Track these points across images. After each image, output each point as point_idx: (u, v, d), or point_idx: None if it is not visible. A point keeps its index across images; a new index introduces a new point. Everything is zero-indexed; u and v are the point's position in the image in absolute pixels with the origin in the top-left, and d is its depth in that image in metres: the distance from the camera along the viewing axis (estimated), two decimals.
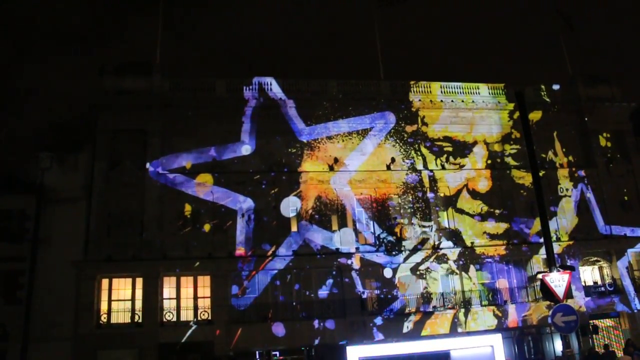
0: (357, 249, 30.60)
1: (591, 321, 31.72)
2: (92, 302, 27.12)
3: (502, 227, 33.04)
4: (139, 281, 28.00)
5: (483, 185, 33.57)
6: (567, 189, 34.79)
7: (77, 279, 27.31)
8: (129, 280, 28.18)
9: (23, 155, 31.32)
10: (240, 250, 29.25)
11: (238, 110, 31.41)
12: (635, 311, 33.05)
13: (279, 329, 27.96)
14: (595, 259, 34.40)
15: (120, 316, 27.60)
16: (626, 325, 32.95)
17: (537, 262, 32.44)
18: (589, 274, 34.58)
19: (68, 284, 27.12)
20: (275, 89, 32.10)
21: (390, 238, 31.29)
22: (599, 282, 34.20)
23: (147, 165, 29.49)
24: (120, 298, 27.95)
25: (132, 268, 27.98)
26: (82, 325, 26.64)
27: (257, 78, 32.22)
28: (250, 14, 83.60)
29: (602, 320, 32.93)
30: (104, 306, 27.64)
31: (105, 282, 28.05)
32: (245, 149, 31.18)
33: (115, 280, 28.20)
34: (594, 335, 31.42)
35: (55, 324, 26.57)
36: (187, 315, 28.13)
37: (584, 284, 33.21)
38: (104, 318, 27.39)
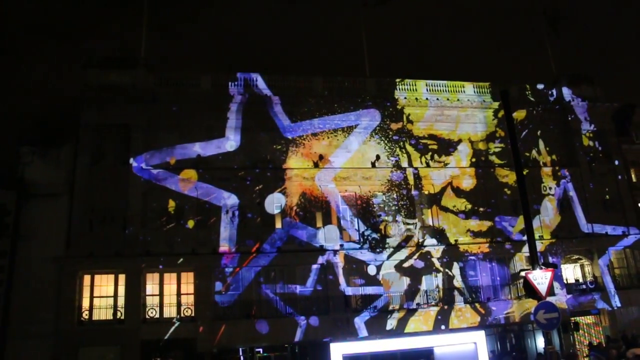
0: (341, 246, 30.59)
1: (572, 318, 32.05)
2: (73, 299, 26.81)
3: (485, 225, 33.22)
4: (122, 277, 27.73)
5: (467, 183, 33.73)
6: (550, 188, 35.08)
7: (59, 275, 26.95)
8: (112, 276, 27.91)
9: (4, 150, 30.96)
10: (224, 247, 29.12)
11: (223, 106, 31.23)
12: (615, 308, 33.45)
13: (262, 326, 27.91)
14: (577, 257, 34.78)
15: (103, 313, 27.33)
16: (606, 322, 33.34)
17: (520, 259, 32.72)
18: (571, 272, 34.95)
19: (49, 280, 26.75)
20: (260, 85, 31.98)
21: (374, 235, 31.33)
22: (581, 280, 34.59)
23: (131, 160, 29.21)
24: (103, 294, 27.66)
25: (115, 264, 27.71)
26: (64, 322, 26.33)
27: (243, 74, 32.05)
28: (237, 10, 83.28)
29: (583, 317, 33.26)
30: (85, 303, 27.32)
31: (87, 279, 27.74)
32: (230, 145, 31.03)
33: (97, 277, 27.92)
34: (574, 332, 31.81)
35: (36, 321, 26.16)
36: (170, 311, 27.93)
37: (565, 282, 33.52)
38: (85, 315, 27.10)
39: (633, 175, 38.33)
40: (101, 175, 28.87)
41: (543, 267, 13.64)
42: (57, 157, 29.35)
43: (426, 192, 33.06)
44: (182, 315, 27.81)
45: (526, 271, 13.77)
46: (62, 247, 27.53)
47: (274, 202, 30.66)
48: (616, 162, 36.80)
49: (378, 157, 32.81)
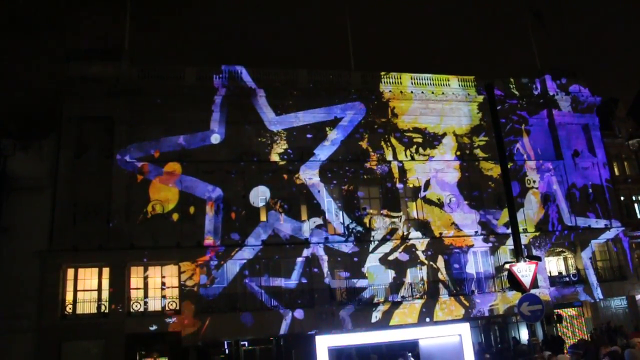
0: (326, 239, 30.58)
1: (555, 310, 32.35)
2: (56, 293, 26.56)
3: (470, 218, 33.35)
4: (106, 271, 27.54)
5: (452, 176, 33.82)
6: (534, 181, 35.32)
7: (42, 269, 26.70)
8: (96, 270, 27.68)
9: None
10: (208, 240, 29.00)
11: (207, 99, 31.04)
12: (598, 300, 33.85)
13: (247, 319, 27.87)
14: (560, 249, 35.08)
15: (87, 307, 27.11)
16: (589, 314, 33.73)
17: (504, 252, 32.92)
18: (554, 265, 35.25)
19: (32, 274, 26.45)
20: (245, 77, 31.83)
21: (359, 228, 31.36)
22: (564, 273, 34.91)
23: (115, 153, 28.96)
24: (87, 288, 27.45)
25: (99, 258, 27.48)
26: (47, 316, 26.09)
27: (227, 67, 31.90)
28: (221, 2, 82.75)
29: (566, 309, 33.59)
30: (69, 296, 27.08)
31: (70, 272, 27.49)
32: (215, 138, 30.86)
33: (81, 270, 27.68)
34: (557, 324, 32.12)
35: (18, 316, 25.84)
36: (154, 305, 27.80)
37: (549, 274, 33.83)
38: (69, 309, 26.86)
39: (616, 169, 38.74)
40: (84, 168, 28.62)
41: (527, 260, 13.69)
42: (39, 149, 28.96)
43: (411, 185, 33.13)
44: (166, 308, 27.69)
45: (510, 264, 13.80)
46: (45, 241, 27.24)
47: (258, 195, 30.58)
48: (599, 156, 37.13)
49: (363, 150, 32.81)
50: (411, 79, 34.84)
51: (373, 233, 31.41)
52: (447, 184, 33.64)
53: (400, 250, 31.38)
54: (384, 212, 32.07)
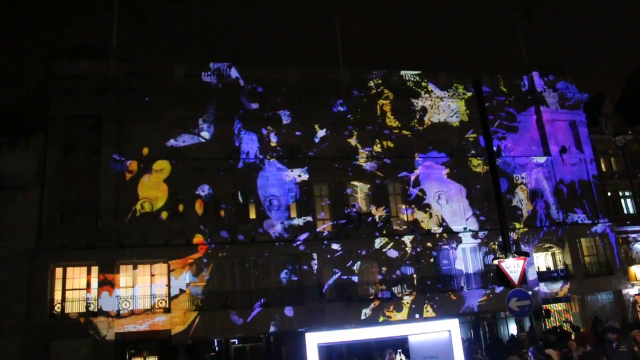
0: (315, 236, 30.61)
1: (544, 305, 32.59)
2: (45, 292, 26.36)
3: (459, 214, 33.48)
4: (95, 270, 27.36)
5: (440, 172, 33.91)
6: (522, 177, 35.52)
7: (30, 268, 26.48)
8: (84, 269, 27.53)
9: None
10: (198, 238, 28.92)
11: (196, 96, 30.91)
12: (585, 295, 34.12)
13: (237, 317, 27.84)
14: (549, 245, 35.30)
15: (75, 306, 26.95)
16: (576, 309, 33.99)
17: (493, 248, 33.05)
18: (542, 260, 35.47)
19: (20, 273, 26.21)
20: (234, 75, 31.73)
21: (348, 225, 31.37)
22: (552, 268, 35.13)
23: (103, 151, 28.77)
24: (75, 287, 27.29)
25: (87, 256, 27.32)
26: (35, 316, 25.88)
27: (216, 64, 31.78)
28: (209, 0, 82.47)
29: (554, 304, 33.86)
30: (57, 296, 26.89)
31: (59, 271, 27.30)
32: (204, 136, 30.78)
33: (69, 269, 27.50)
34: (546, 319, 32.38)
35: (6, 316, 25.58)
36: (143, 303, 27.66)
37: (537, 270, 34.04)
38: (57, 308, 26.67)
39: (603, 165, 39.03)
40: (72, 166, 28.39)
41: (515, 256, 13.74)
42: (26, 148, 28.65)
43: (400, 182, 33.18)
44: (156, 307, 27.59)
45: (499, 259, 13.85)
46: (32, 240, 27.01)
47: (248, 193, 30.51)
48: (586, 152, 37.40)
49: (352, 147, 32.84)
50: (400, 75, 34.88)
51: (362, 230, 31.44)
52: (435, 180, 33.74)
53: (389, 246, 31.45)
54: (374, 208, 32.12)
